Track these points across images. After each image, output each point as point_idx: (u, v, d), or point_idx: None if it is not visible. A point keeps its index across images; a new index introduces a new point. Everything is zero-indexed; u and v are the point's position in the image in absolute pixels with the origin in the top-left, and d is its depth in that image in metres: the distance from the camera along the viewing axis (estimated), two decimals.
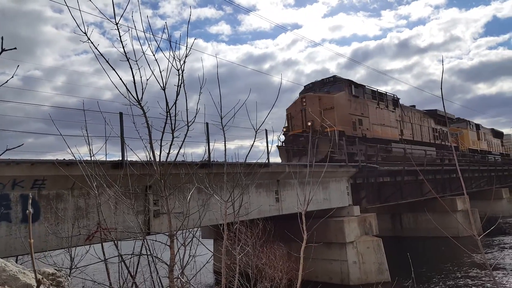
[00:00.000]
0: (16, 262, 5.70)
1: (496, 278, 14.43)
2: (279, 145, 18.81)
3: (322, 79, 20.89)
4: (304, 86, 21.69)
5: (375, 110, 21.59)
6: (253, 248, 6.53)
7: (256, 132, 5.73)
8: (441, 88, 3.32)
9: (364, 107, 20.64)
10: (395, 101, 24.16)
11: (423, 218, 24.01)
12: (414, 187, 22.53)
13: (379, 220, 17.89)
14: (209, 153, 10.15)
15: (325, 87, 20.19)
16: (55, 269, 4.13)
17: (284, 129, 19.37)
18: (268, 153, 12.30)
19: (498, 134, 48.68)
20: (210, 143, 9.17)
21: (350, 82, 20.38)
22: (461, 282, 15.19)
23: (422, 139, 26.53)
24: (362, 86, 21.28)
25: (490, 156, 39.54)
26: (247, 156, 5.48)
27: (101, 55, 4.24)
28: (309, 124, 18.29)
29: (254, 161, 8.17)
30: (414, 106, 29.12)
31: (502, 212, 34.09)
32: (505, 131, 63.20)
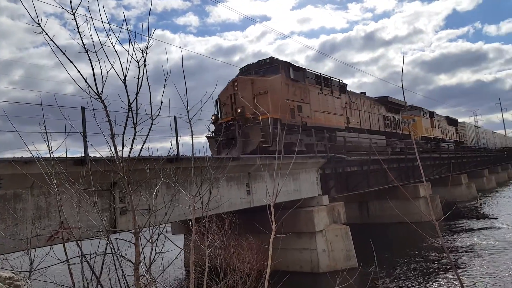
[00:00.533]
0: None
1: (453, 260, 15.20)
2: (208, 135, 16.47)
3: (258, 61, 18.58)
4: (240, 69, 19.24)
5: (317, 96, 19.69)
6: (221, 242, 6.48)
7: (223, 125, 5.66)
8: (402, 80, 3.38)
9: (305, 92, 18.71)
10: (341, 86, 22.49)
11: (389, 205, 24.59)
12: (380, 175, 23.18)
13: (347, 209, 18.29)
14: (178, 147, 10.00)
15: (261, 70, 17.96)
16: (13, 272, 3.92)
17: (213, 117, 16.76)
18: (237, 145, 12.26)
19: (452, 122, 49.01)
20: (179, 137, 9.02)
21: (288, 65, 18.30)
22: (422, 265, 15.84)
23: (371, 127, 25.27)
24: (303, 70, 19.35)
25: (444, 144, 39.44)
26: (215, 149, 5.40)
27: (57, 47, 4.02)
28: (239, 111, 16.04)
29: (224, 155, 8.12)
30: (364, 93, 27.95)
31: (461, 197, 35.84)
32: (463, 119, 66.01)
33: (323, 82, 20.68)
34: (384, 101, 29.04)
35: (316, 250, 15.41)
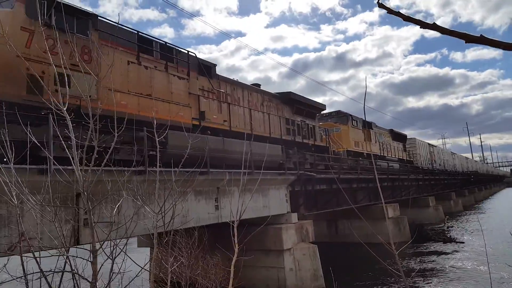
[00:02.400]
0: None
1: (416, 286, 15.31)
2: None
3: None
4: None
5: (125, 66, 11.80)
6: (188, 258, 6.41)
7: (190, 140, 5.68)
8: (364, 100, 3.54)
9: (89, 54, 10.62)
10: (199, 65, 14.89)
11: (357, 224, 25.01)
12: (349, 194, 23.53)
13: (315, 226, 18.35)
14: (146, 159, 9.89)
15: None
16: None
17: None
18: (207, 158, 12.21)
19: (399, 137, 41.65)
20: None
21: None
22: None
23: (252, 131, 16.97)
24: (90, 16, 10.88)
25: (382, 162, 32.30)
26: (181, 162, 5.41)
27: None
28: None
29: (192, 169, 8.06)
30: (258, 85, 20.17)
31: (429, 219, 36.59)
32: (432, 142, 64.05)
33: (155, 49, 13.08)
34: (287, 100, 20.94)
35: (283, 269, 15.30)
